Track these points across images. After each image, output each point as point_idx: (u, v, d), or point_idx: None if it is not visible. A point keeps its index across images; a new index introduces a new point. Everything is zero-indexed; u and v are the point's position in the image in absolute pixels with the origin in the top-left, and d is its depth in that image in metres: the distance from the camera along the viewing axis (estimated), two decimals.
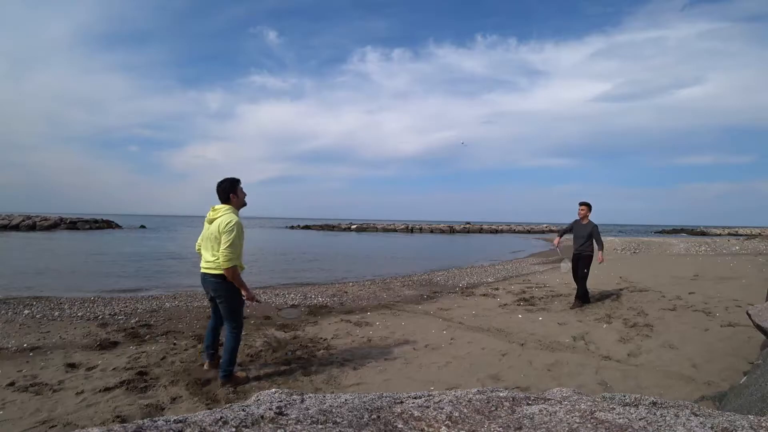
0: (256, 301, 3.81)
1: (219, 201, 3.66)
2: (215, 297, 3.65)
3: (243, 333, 4.00)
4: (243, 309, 3.78)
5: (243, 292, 3.61)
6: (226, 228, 3.41)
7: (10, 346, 4.77)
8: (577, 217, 6.69)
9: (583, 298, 6.69)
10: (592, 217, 6.64)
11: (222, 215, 3.52)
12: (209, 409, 1.35)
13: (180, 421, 1.01)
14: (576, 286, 6.78)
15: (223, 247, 3.41)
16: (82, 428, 1.37)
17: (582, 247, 6.54)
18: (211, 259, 3.55)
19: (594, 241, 6.48)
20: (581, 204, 6.68)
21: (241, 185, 3.70)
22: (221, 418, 1.04)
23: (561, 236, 7.05)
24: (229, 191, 3.62)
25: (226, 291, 3.57)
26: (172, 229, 47.86)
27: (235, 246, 3.43)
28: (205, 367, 3.92)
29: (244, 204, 3.74)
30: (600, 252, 6.51)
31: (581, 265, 6.57)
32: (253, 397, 1.26)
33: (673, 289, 7.82)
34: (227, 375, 3.61)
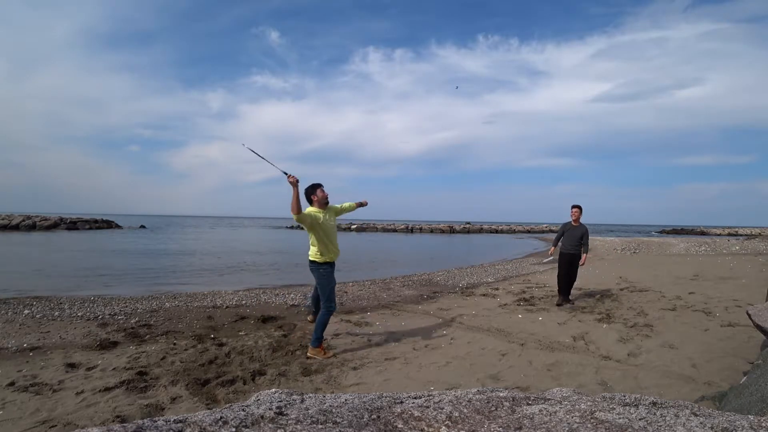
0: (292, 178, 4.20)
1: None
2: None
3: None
4: (333, 291, 4.56)
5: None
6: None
7: (10, 346, 4.77)
8: (570, 220, 6.96)
9: (568, 296, 7.06)
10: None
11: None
12: (209, 409, 1.35)
13: (180, 421, 1.01)
14: (560, 286, 7.05)
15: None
16: (82, 428, 1.37)
17: (575, 248, 6.85)
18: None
19: (582, 243, 6.85)
20: (574, 207, 6.93)
21: (322, 187, 4.56)
22: (221, 418, 1.04)
23: (556, 245, 7.26)
24: (310, 195, 4.54)
25: (317, 274, 4.53)
26: (172, 230, 47.88)
27: (301, 220, 4.30)
28: (309, 318, 5.00)
29: (326, 202, 4.57)
30: (584, 255, 6.86)
31: (576, 264, 6.89)
32: (253, 397, 1.26)
33: (673, 289, 7.82)
34: (311, 345, 4.51)
